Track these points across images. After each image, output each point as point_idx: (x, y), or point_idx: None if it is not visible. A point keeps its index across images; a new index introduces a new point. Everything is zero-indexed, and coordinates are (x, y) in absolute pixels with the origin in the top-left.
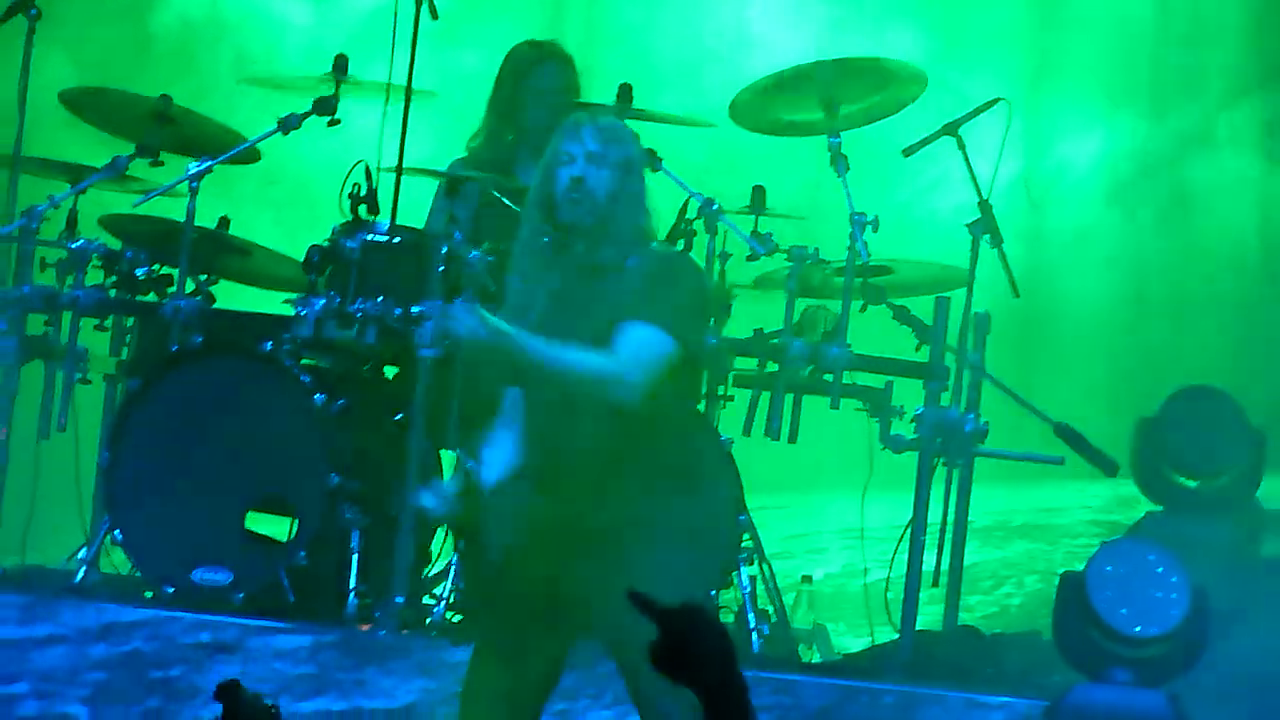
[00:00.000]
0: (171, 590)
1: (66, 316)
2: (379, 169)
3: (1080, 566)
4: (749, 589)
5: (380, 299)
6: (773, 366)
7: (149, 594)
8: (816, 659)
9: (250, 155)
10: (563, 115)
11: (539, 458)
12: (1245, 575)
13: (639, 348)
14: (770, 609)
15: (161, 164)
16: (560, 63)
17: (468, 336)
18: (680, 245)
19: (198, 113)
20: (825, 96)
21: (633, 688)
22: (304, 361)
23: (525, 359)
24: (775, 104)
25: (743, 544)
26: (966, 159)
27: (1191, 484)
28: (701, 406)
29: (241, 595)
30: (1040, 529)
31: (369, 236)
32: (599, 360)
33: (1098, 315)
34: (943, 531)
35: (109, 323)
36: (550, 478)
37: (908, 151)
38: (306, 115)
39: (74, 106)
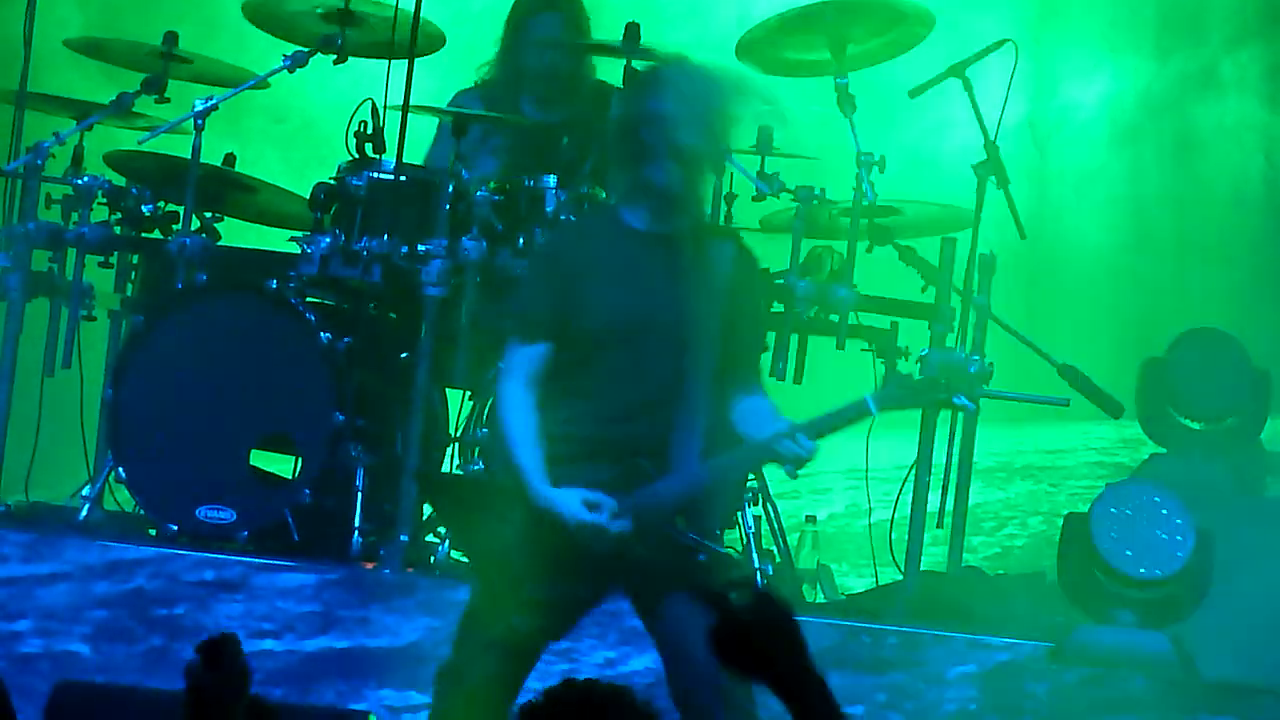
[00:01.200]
0: (175, 528)
1: (71, 253)
2: (385, 107)
3: (1084, 508)
4: (753, 529)
5: (386, 237)
6: (779, 307)
7: (153, 532)
8: (820, 599)
9: (257, 86)
10: (562, 63)
11: (637, 424)
12: (1249, 517)
13: None
14: (774, 549)
15: (167, 100)
16: (558, 13)
17: None
18: None
19: (203, 51)
20: (833, 37)
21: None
22: (309, 299)
23: None
24: (783, 44)
25: (748, 484)
26: (973, 100)
27: (1196, 426)
28: None
29: (246, 533)
30: (1044, 470)
31: (375, 175)
32: None
33: (1103, 257)
34: (947, 472)
35: (114, 259)
36: (650, 439)
37: (914, 92)
38: (312, 53)
39: (79, 48)
